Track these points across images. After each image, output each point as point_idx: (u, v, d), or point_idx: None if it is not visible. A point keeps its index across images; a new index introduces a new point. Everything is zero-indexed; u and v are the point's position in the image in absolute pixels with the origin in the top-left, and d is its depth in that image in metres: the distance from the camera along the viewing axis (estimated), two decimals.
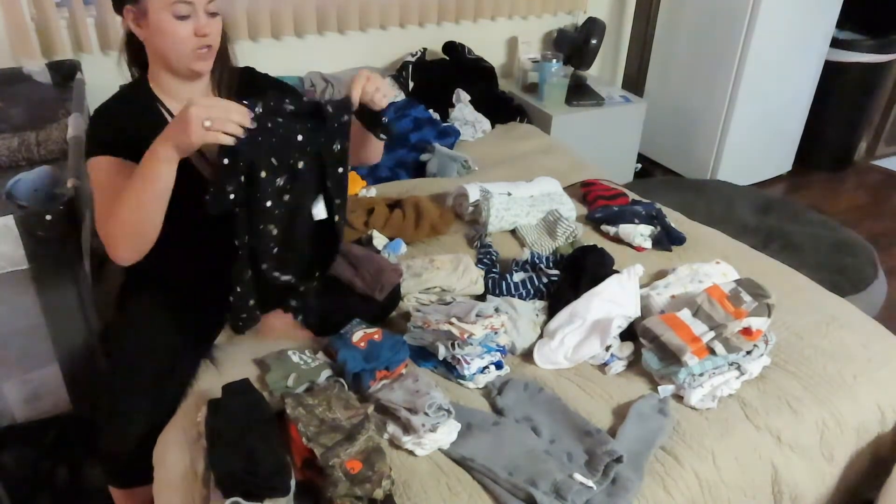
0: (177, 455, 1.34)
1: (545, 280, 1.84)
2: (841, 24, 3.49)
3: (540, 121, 3.10)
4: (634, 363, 1.62)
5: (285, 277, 1.44)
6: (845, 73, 3.63)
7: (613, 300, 1.69)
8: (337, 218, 1.43)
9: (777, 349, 1.64)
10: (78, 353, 1.59)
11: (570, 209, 2.18)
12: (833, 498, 1.55)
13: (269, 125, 1.24)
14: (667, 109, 3.57)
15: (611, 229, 2.12)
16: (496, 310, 1.60)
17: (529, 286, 1.83)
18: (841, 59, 3.59)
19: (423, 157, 2.62)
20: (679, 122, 3.57)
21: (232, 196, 1.26)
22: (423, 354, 1.58)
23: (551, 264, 1.91)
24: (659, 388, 1.53)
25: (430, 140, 2.67)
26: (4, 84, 2.22)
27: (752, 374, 1.56)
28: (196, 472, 1.30)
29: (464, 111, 2.91)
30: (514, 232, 2.15)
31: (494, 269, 1.92)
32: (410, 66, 3.02)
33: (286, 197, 1.34)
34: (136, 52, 1.49)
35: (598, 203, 2.28)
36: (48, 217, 1.42)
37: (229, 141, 1.20)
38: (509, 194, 2.17)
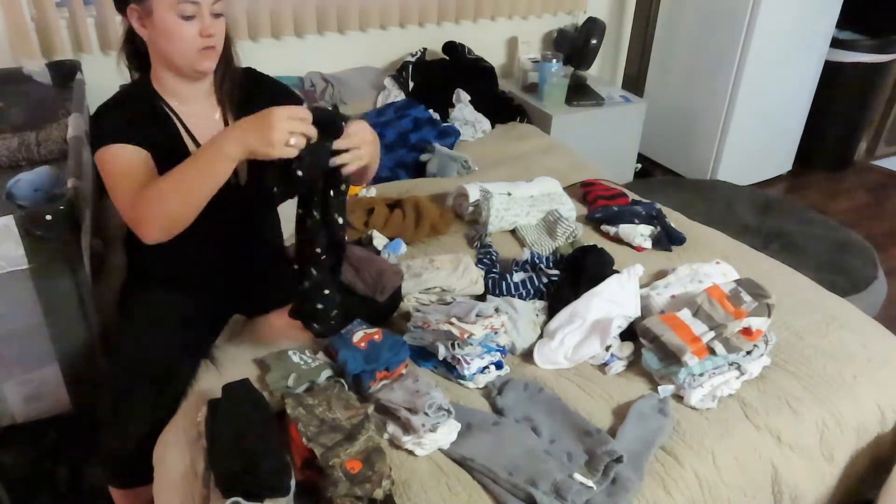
0: (177, 455, 1.34)
1: (545, 280, 1.84)
2: (841, 25, 3.49)
3: (540, 121, 3.10)
4: (634, 363, 1.62)
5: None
6: (845, 73, 3.62)
7: (613, 300, 1.69)
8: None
9: (777, 349, 1.64)
10: (78, 353, 1.59)
11: (570, 209, 2.18)
12: (833, 498, 1.55)
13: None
14: (667, 109, 3.56)
15: (611, 229, 2.12)
16: (496, 310, 1.60)
17: (529, 286, 1.83)
18: (841, 59, 3.58)
19: (423, 157, 2.61)
20: (679, 122, 3.57)
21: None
22: (423, 354, 1.58)
23: (551, 264, 1.91)
24: (659, 388, 1.53)
25: (430, 140, 2.67)
26: (4, 84, 2.22)
27: (752, 374, 1.56)
28: (196, 472, 1.30)
29: (464, 111, 2.91)
30: (514, 232, 2.15)
31: (494, 269, 1.92)
32: (410, 66, 3.01)
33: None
34: (135, 51, 1.48)
35: (598, 203, 2.28)
36: (48, 217, 1.41)
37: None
38: (509, 194, 2.17)
